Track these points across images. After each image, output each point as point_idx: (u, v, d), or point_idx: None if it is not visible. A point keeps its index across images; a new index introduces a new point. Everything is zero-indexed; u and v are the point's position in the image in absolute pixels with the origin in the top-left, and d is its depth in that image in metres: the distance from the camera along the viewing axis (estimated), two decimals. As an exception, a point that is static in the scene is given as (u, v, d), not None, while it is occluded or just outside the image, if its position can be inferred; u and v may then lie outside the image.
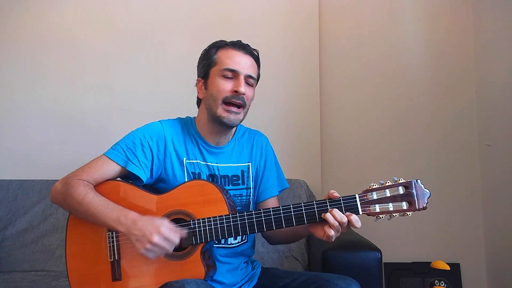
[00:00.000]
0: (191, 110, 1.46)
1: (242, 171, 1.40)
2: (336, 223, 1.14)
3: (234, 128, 1.45)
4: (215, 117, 1.31)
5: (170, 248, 1.13)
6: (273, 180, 1.45)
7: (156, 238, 1.11)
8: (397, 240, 2.27)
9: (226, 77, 1.30)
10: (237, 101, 1.29)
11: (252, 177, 1.41)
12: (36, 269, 1.95)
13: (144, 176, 1.29)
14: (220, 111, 1.29)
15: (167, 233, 1.12)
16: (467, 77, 2.34)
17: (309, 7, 2.34)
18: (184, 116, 1.44)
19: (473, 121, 2.32)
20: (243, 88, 1.29)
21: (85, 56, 2.34)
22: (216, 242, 1.32)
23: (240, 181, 1.39)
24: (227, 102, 1.29)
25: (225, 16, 2.33)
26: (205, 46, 1.40)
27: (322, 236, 1.17)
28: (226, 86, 1.29)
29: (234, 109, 1.29)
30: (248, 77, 1.32)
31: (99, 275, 1.23)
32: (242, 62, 1.31)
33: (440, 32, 2.37)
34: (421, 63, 2.37)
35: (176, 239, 1.14)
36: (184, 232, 1.17)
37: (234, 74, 1.30)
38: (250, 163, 1.42)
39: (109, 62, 2.34)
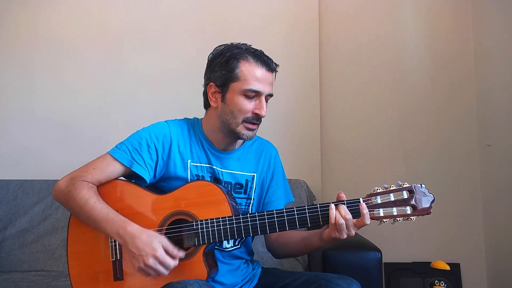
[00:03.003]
0: (193, 110, 1.45)
1: (246, 180, 1.38)
2: (339, 219, 1.14)
3: None
4: (232, 132, 1.29)
5: (165, 271, 1.12)
6: (279, 194, 1.43)
7: (151, 261, 1.11)
8: (397, 240, 2.27)
9: (248, 97, 1.27)
10: (257, 122, 1.29)
11: (255, 188, 1.39)
12: (36, 269, 1.95)
13: (148, 177, 1.28)
14: (240, 128, 1.28)
15: (162, 258, 1.11)
16: (467, 78, 2.34)
17: (310, 6, 2.34)
18: (191, 117, 1.42)
19: (473, 122, 2.32)
20: (264, 112, 1.28)
21: (86, 56, 2.34)
22: (218, 244, 1.31)
23: (242, 190, 1.37)
24: (247, 121, 1.28)
25: (226, 16, 2.33)
26: (205, 50, 1.36)
27: (329, 236, 1.18)
28: (248, 107, 1.27)
29: (252, 126, 1.29)
30: (268, 95, 1.30)
31: (101, 275, 1.23)
32: (265, 81, 1.27)
33: (441, 33, 2.37)
34: (421, 63, 2.37)
35: (171, 264, 1.12)
36: (182, 253, 1.16)
37: (257, 94, 1.27)
38: (255, 174, 1.40)
39: (109, 61, 2.34)
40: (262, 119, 1.31)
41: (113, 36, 2.35)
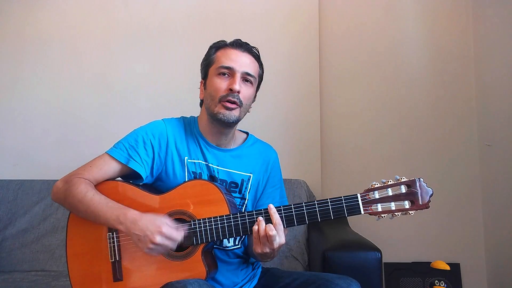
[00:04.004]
0: (192, 110, 1.46)
1: (242, 180, 1.38)
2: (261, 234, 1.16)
3: (244, 135, 1.45)
4: (212, 115, 1.30)
5: (173, 246, 1.14)
6: (274, 197, 1.43)
7: (158, 238, 1.11)
8: (397, 240, 2.27)
9: (222, 75, 1.29)
10: (233, 99, 1.27)
11: (250, 188, 1.39)
12: (36, 269, 1.95)
13: (145, 174, 1.29)
14: (218, 108, 1.28)
15: (169, 233, 1.13)
16: (467, 76, 2.34)
17: (309, 7, 2.34)
18: (188, 116, 1.43)
19: (473, 121, 2.32)
20: (237, 86, 1.27)
21: (85, 55, 2.34)
22: (217, 243, 1.31)
23: (237, 189, 1.37)
24: (223, 101, 1.27)
25: (226, 15, 2.33)
26: (205, 44, 1.39)
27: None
28: (222, 85, 1.28)
29: (230, 105, 1.27)
30: (246, 74, 1.30)
31: (101, 276, 1.23)
32: (238, 60, 1.29)
33: (440, 32, 2.37)
34: (421, 63, 2.37)
35: (178, 237, 1.14)
36: (186, 229, 1.17)
37: (231, 72, 1.28)
38: (252, 175, 1.39)
39: (109, 61, 2.34)
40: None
41: (113, 37, 2.35)
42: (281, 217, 1.17)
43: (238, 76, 1.28)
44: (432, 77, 2.36)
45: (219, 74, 1.29)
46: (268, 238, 1.15)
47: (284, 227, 1.18)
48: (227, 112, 1.27)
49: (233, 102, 1.27)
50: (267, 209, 1.19)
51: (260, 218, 1.17)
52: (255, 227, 1.17)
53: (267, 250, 1.16)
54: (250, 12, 2.34)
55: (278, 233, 1.15)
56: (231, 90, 1.27)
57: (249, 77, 1.31)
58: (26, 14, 2.36)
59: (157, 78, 2.33)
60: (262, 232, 1.15)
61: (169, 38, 2.34)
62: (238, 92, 1.27)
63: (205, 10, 2.35)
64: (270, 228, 1.14)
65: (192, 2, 2.36)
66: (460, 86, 2.34)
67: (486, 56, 2.25)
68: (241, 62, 1.29)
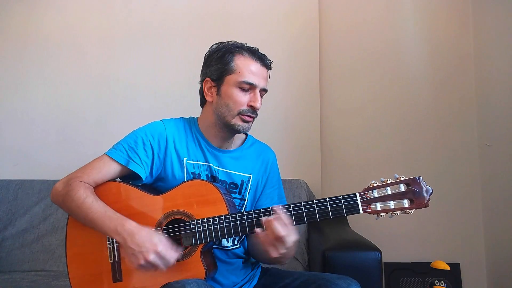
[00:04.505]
0: (192, 109, 1.45)
1: (242, 181, 1.38)
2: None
3: (243, 136, 1.45)
4: (227, 125, 1.31)
5: (164, 267, 1.12)
6: (273, 197, 1.43)
7: (152, 257, 1.10)
8: (397, 240, 2.27)
9: (242, 89, 1.29)
10: (252, 115, 1.31)
11: (249, 189, 1.39)
12: (36, 269, 1.96)
13: (144, 175, 1.29)
14: (235, 120, 1.29)
15: (163, 253, 1.11)
16: (467, 76, 2.34)
17: (309, 6, 2.34)
18: (187, 116, 1.43)
19: (473, 121, 2.32)
20: (259, 104, 1.29)
21: (85, 55, 2.34)
22: (216, 243, 1.31)
23: (237, 190, 1.37)
24: (242, 114, 1.29)
25: (226, 15, 2.34)
26: (206, 44, 1.38)
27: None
28: (243, 99, 1.28)
29: (248, 119, 1.30)
30: (262, 90, 1.32)
31: (100, 276, 1.23)
32: (260, 75, 1.30)
33: (440, 31, 2.37)
34: (421, 62, 2.37)
35: (172, 259, 1.13)
36: (181, 249, 1.16)
37: (251, 86, 1.29)
38: (252, 175, 1.40)
39: (109, 61, 2.34)
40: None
41: (114, 37, 2.35)
42: None
43: (258, 93, 1.30)
44: (432, 76, 2.36)
45: (240, 87, 1.28)
46: (282, 239, 1.12)
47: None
48: (245, 124, 1.31)
49: (252, 117, 1.31)
50: (266, 208, 1.19)
51: (258, 230, 1.16)
52: (261, 233, 1.15)
53: (283, 250, 1.15)
54: (250, 11, 2.34)
55: (289, 233, 1.13)
56: (251, 106, 1.29)
57: (263, 92, 1.34)
58: (27, 14, 2.36)
59: (158, 78, 2.33)
60: (271, 236, 1.13)
61: (170, 38, 2.34)
62: (258, 109, 1.31)
63: (206, 9, 2.35)
64: (278, 231, 1.12)
65: (192, 2, 2.36)
66: (460, 86, 2.34)
67: (486, 56, 2.25)
68: (261, 77, 1.31)
